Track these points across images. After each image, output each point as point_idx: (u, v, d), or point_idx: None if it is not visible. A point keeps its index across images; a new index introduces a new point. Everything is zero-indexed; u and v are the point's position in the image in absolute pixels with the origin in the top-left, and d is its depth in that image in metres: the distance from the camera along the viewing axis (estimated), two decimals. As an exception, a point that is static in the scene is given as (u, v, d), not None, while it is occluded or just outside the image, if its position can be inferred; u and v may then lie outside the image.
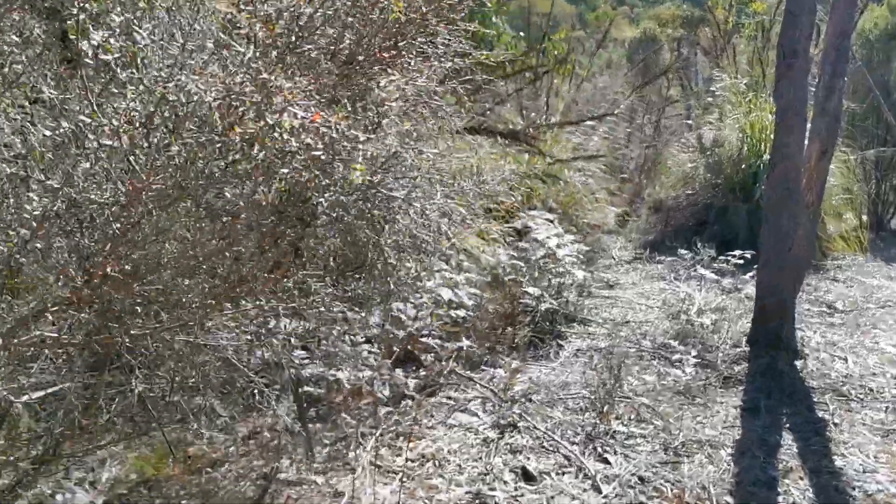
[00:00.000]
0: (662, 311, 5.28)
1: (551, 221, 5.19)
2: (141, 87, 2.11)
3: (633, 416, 3.49)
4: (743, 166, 7.72)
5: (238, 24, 2.34)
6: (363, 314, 3.69)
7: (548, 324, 4.68)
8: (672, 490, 2.88)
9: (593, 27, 16.02)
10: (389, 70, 2.66)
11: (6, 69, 2.18)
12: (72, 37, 2.10)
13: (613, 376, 3.44)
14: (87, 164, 2.02)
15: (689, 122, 10.87)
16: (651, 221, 8.79)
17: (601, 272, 6.66)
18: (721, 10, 11.50)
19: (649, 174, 10.52)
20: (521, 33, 12.66)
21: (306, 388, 3.29)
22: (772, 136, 4.53)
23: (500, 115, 8.36)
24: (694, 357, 4.31)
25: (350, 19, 2.55)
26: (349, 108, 2.50)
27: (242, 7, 2.29)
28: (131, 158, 2.04)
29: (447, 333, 4.20)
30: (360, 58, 2.63)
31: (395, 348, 3.74)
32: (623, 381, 3.70)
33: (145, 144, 2.02)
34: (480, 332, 4.20)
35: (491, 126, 4.74)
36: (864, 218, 8.36)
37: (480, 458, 3.11)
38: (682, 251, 6.03)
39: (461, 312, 4.01)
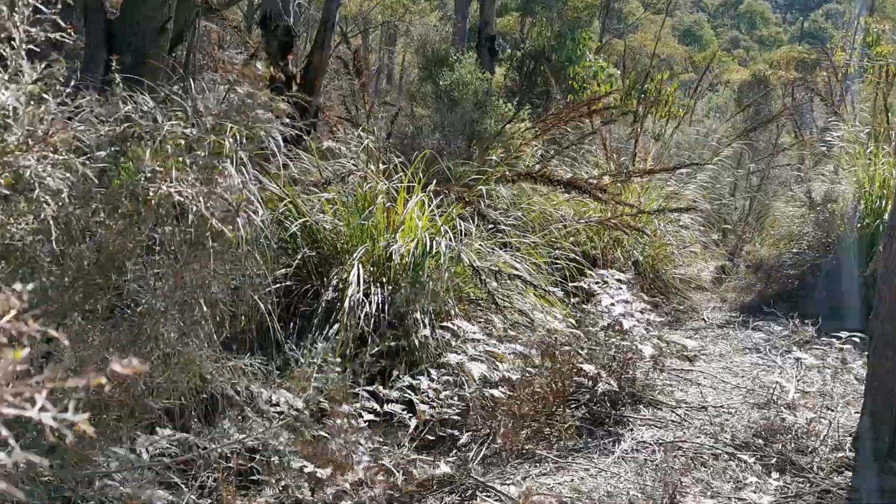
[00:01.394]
0: (750, 396, 4.49)
1: (623, 283, 4.49)
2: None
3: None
4: (858, 226, 6.82)
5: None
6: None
7: (607, 406, 3.98)
8: None
9: (701, 69, 15.15)
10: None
11: None
12: None
13: (668, 496, 2.72)
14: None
15: (800, 172, 9.92)
16: (749, 281, 7.93)
17: (684, 338, 5.87)
18: (840, 53, 10.54)
19: (752, 228, 9.64)
20: (618, 71, 12.04)
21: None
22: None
23: (583, 156, 7.71)
24: (782, 461, 3.54)
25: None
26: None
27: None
28: None
29: (481, 416, 3.57)
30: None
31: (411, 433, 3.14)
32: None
33: None
34: (521, 416, 3.54)
35: (550, 173, 4.12)
36: None
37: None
38: (782, 320, 5.23)
39: (497, 392, 3.37)
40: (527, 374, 3.63)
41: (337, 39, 11.25)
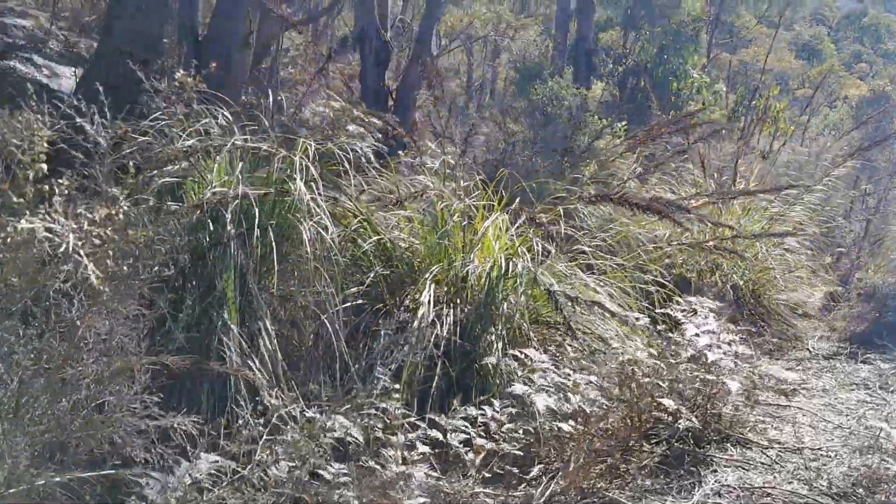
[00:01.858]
0: (852, 439, 4.11)
1: (714, 311, 4.20)
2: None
3: None
4: (985, 255, 6.28)
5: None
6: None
7: (690, 444, 3.70)
8: None
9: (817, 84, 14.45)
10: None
11: None
12: None
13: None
14: None
15: (922, 194, 9.26)
16: (861, 310, 7.40)
17: (783, 370, 5.48)
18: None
19: (866, 253, 9.04)
20: (724, 87, 11.57)
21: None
22: None
23: (681, 175, 7.38)
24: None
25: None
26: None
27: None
28: None
29: (553, 449, 3.37)
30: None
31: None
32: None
33: None
34: (593, 452, 3.32)
35: (630, 196, 3.88)
36: None
37: None
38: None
39: (566, 426, 3.16)
40: (601, 407, 3.40)
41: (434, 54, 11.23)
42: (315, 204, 3.72)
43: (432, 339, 3.81)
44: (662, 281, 4.96)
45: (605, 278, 4.68)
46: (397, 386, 3.23)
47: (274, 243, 3.63)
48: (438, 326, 3.90)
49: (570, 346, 3.93)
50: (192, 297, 3.44)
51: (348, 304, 4.06)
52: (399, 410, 3.04)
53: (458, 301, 4.07)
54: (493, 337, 3.91)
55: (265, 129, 4.14)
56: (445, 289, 4.14)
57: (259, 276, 3.62)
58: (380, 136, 7.55)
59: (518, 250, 4.18)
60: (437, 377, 3.69)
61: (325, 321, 3.68)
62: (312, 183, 3.82)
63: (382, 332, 3.84)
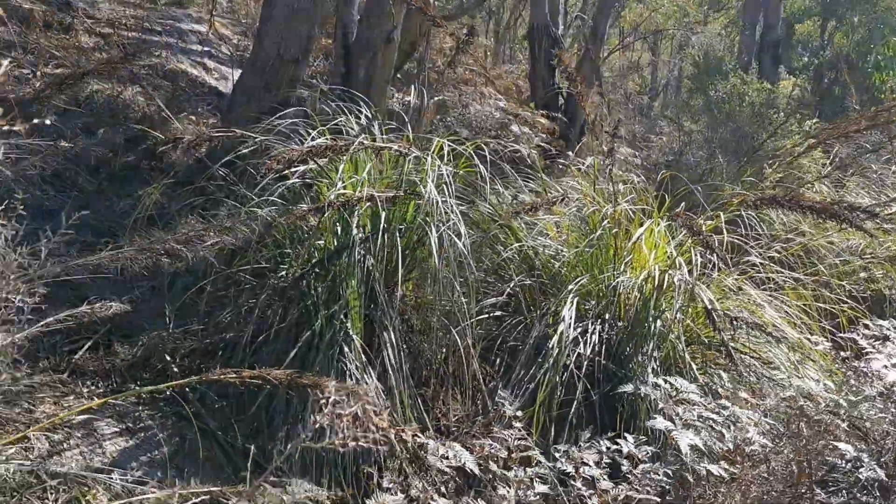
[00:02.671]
0: None
1: (911, 338, 3.57)
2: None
3: None
4: None
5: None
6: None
7: (875, 497, 3.12)
8: None
9: None
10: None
11: None
12: None
13: None
14: None
15: None
16: None
17: None
18: None
19: None
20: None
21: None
22: None
23: (881, 178, 6.55)
24: None
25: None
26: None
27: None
28: None
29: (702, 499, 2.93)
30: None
31: None
32: None
33: None
34: (751, 499, 2.85)
35: (801, 198, 3.33)
36: None
37: None
38: None
39: (716, 469, 2.72)
40: (763, 447, 2.92)
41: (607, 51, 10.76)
42: (447, 208, 3.45)
43: (573, 359, 3.46)
44: (850, 300, 4.33)
45: (780, 295, 4.13)
46: (519, 413, 2.90)
47: (400, 249, 3.41)
48: (581, 344, 3.54)
49: (730, 372, 3.44)
50: (313, 304, 3.29)
51: (486, 315, 3.78)
52: (518, 441, 2.72)
53: (606, 316, 3.68)
54: (644, 358, 3.50)
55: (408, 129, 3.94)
56: (594, 302, 3.76)
57: (386, 285, 3.40)
58: (545, 136, 7.24)
59: (676, 261, 3.73)
60: (576, 402, 3.33)
61: (456, 335, 3.41)
62: (446, 185, 3.56)
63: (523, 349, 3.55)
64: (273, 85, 4.99)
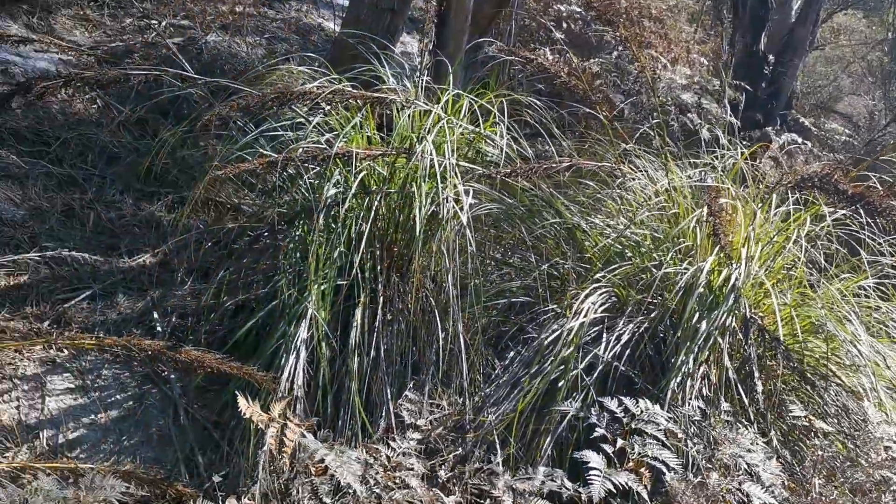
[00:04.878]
0: None
1: None
2: None
3: None
4: None
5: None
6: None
7: None
8: None
9: None
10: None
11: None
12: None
13: None
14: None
15: None
16: None
17: None
18: None
19: None
20: None
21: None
22: None
23: None
24: None
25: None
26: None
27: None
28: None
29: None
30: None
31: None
32: None
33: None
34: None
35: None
36: None
37: None
38: None
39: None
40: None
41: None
42: (450, 170, 2.91)
43: (585, 361, 2.81)
44: None
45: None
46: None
47: (389, 216, 2.96)
48: (602, 345, 2.87)
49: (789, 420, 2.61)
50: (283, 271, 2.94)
51: (503, 300, 3.21)
52: (400, 457, 2.18)
53: (640, 312, 2.97)
54: (677, 373, 2.76)
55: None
56: (635, 294, 3.05)
57: (368, 254, 2.96)
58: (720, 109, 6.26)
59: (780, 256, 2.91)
60: (567, 416, 2.70)
61: (440, 319, 2.90)
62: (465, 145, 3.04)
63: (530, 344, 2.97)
64: (369, 36, 4.65)
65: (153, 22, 5.30)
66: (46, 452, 2.72)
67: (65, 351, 3.08)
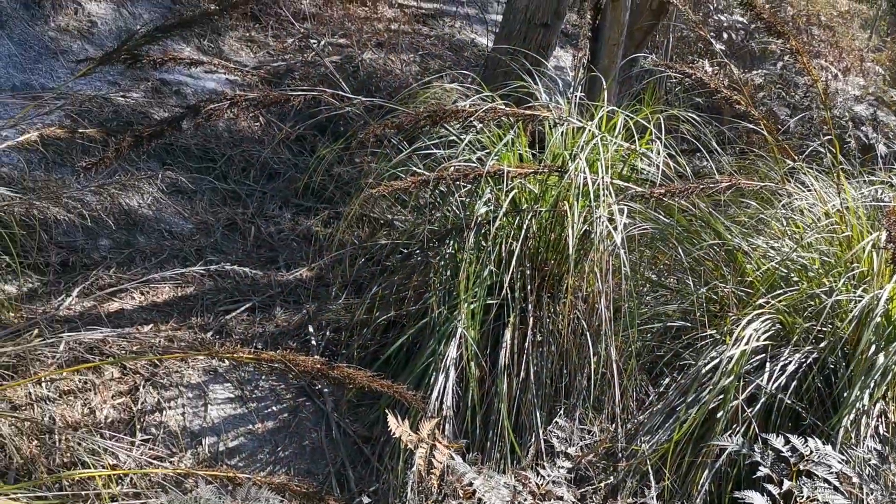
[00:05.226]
0: None
1: None
2: None
3: None
4: None
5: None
6: None
7: None
8: None
9: None
10: None
11: None
12: None
13: None
14: None
15: None
16: None
17: None
18: None
19: None
20: None
21: None
22: None
23: None
24: None
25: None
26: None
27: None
28: None
29: None
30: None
31: None
32: None
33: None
34: None
35: None
36: None
37: None
38: None
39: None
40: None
41: None
42: (603, 189, 2.84)
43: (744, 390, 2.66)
44: None
45: None
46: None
47: (534, 233, 2.91)
48: (765, 375, 2.71)
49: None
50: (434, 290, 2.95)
51: (658, 324, 3.09)
52: (550, 486, 2.12)
53: (808, 342, 2.78)
54: (850, 410, 2.56)
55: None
56: (802, 322, 2.86)
57: (518, 273, 2.92)
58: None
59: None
60: (727, 450, 2.56)
61: (592, 342, 2.82)
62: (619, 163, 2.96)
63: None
64: (521, 52, 4.63)
65: (313, 41, 5.48)
66: (208, 459, 2.83)
67: (226, 361, 3.21)
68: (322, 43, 5.47)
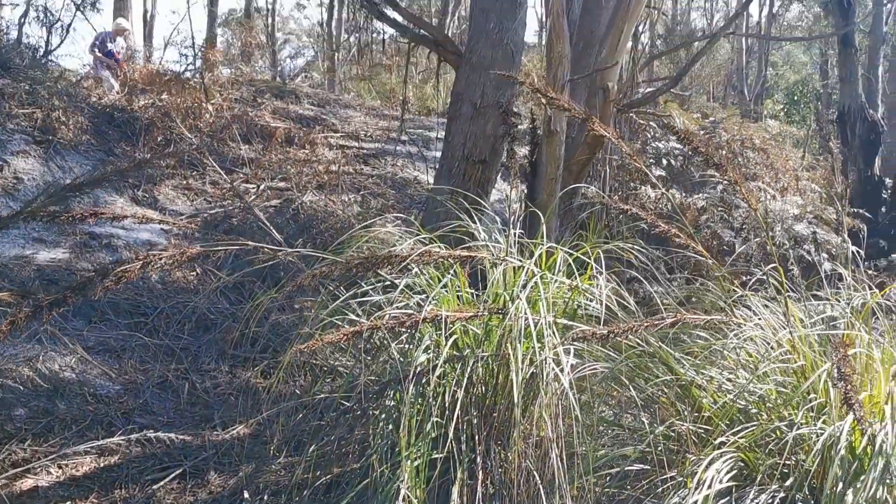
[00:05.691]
0: None
1: None
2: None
3: None
4: None
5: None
6: None
7: None
8: None
9: None
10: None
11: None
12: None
13: None
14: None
15: None
16: None
17: None
18: None
19: None
20: None
21: None
22: None
23: None
24: None
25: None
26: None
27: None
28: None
29: None
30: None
31: None
32: None
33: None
34: None
35: None
36: None
37: None
38: None
39: None
40: None
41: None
42: (551, 332, 2.71)
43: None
44: None
45: None
46: None
47: (486, 379, 2.76)
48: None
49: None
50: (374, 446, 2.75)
51: (615, 469, 2.91)
52: None
53: (773, 479, 2.62)
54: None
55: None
56: (765, 458, 2.71)
57: (463, 426, 2.74)
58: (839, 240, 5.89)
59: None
60: None
61: (546, 494, 2.62)
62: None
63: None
64: (461, 191, 4.60)
65: (251, 186, 5.42)
66: None
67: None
68: (261, 187, 5.41)
